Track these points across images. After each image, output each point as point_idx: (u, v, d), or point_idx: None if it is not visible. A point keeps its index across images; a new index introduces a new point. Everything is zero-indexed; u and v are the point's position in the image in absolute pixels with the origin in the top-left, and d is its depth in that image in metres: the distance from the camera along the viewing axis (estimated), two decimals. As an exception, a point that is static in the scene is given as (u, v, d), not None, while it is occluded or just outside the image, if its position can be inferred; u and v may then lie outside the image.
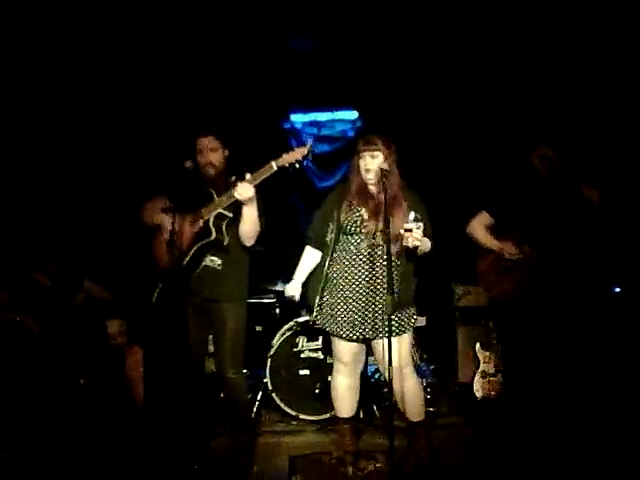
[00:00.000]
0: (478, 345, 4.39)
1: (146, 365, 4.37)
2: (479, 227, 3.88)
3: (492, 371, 4.33)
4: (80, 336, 4.34)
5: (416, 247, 2.97)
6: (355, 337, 3.25)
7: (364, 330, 3.23)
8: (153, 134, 5.35)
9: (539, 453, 3.43)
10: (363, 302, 3.23)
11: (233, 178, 3.37)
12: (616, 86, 4.71)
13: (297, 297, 3.43)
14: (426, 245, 3.15)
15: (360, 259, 3.23)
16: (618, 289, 4.35)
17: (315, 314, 3.31)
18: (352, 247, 3.25)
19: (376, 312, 3.21)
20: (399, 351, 3.21)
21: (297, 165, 3.11)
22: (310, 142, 3.18)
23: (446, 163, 5.47)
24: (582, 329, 3.75)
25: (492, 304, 4.20)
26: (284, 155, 3.11)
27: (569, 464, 3.28)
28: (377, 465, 3.30)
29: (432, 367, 4.82)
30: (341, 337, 3.27)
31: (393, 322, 3.16)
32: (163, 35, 4.88)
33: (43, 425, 3.92)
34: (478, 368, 4.36)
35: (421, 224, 2.94)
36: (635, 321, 4.01)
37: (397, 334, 3.21)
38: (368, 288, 3.22)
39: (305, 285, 3.43)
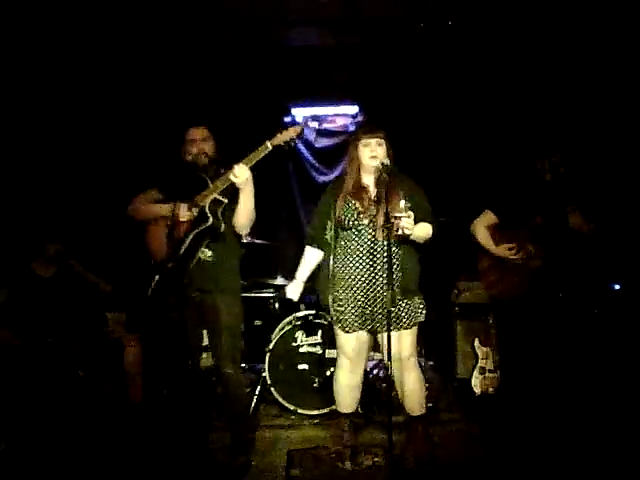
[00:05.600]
0: (477, 341, 4.40)
1: (144, 358, 4.37)
2: (482, 227, 3.87)
3: (490, 367, 4.34)
4: (80, 328, 4.33)
5: (407, 235, 2.98)
6: (365, 330, 3.26)
7: (374, 322, 3.23)
8: (151, 128, 5.33)
9: (537, 449, 3.43)
10: (370, 295, 3.22)
11: (223, 170, 3.32)
12: (621, 88, 4.69)
13: (296, 298, 3.44)
14: (423, 232, 3.16)
15: (363, 253, 3.22)
16: (617, 286, 4.35)
17: (332, 314, 3.30)
18: (353, 242, 3.24)
19: (383, 305, 3.18)
20: (405, 342, 3.23)
21: (292, 144, 3.12)
22: (303, 121, 3.18)
23: (448, 158, 5.45)
24: (582, 327, 3.75)
25: (493, 302, 4.19)
26: (278, 134, 3.11)
27: (567, 460, 3.28)
28: (375, 460, 3.29)
29: (431, 363, 4.82)
30: (353, 331, 3.26)
31: (403, 313, 3.19)
32: (163, 29, 4.86)
33: (41, 417, 3.93)
34: (476, 364, 4.37)
35: (411, 213, 2.94)
36: (634, 319, 4.01)
37: (407, 326, 3.22)
38: (373, 281, 3.21)
39: (308, 284, 3.44)
